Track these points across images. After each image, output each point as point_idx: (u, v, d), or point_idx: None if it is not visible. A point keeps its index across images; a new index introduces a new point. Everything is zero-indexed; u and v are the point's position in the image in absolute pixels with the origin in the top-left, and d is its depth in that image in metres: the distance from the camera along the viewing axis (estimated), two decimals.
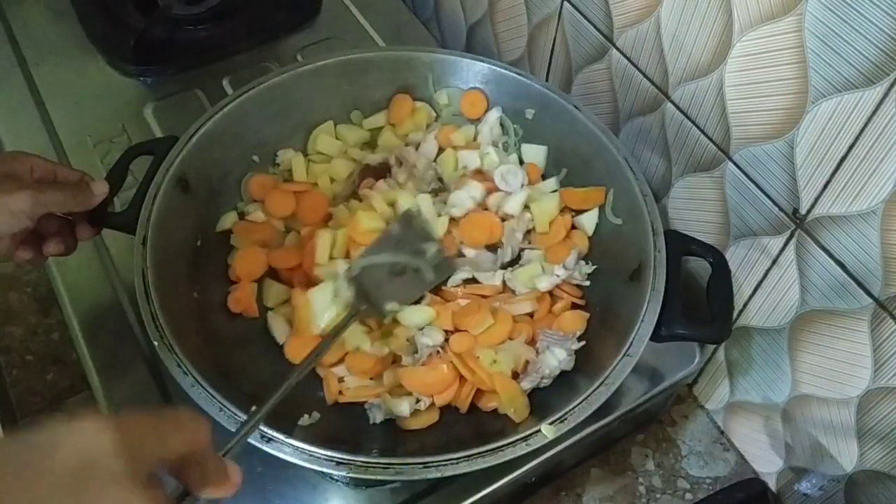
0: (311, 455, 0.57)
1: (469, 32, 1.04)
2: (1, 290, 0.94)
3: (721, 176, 0.70)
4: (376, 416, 0.67)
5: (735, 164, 0.68)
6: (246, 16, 1.04)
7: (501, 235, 0.77)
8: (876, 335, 0.60)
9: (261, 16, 1.05)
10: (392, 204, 0.76)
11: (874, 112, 0.53)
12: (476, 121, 0.84)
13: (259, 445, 0.57)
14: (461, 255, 0.76)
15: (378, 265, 0.66)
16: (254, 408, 0.59)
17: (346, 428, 0.66)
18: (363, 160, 0.81)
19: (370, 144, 0.85)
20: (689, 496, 0.79)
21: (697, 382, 0.84)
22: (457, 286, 0.74)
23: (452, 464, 0.57)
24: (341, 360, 0.69)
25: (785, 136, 0.61)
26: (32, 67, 0.99)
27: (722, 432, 0.83)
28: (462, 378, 0.67)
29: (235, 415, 0.58)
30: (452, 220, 0.77)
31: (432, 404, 0.67)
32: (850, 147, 0.56)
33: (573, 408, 0.60)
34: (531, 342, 0.70)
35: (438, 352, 0.68)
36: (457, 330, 0.70)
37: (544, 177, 0.82)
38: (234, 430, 0.57)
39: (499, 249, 0.77)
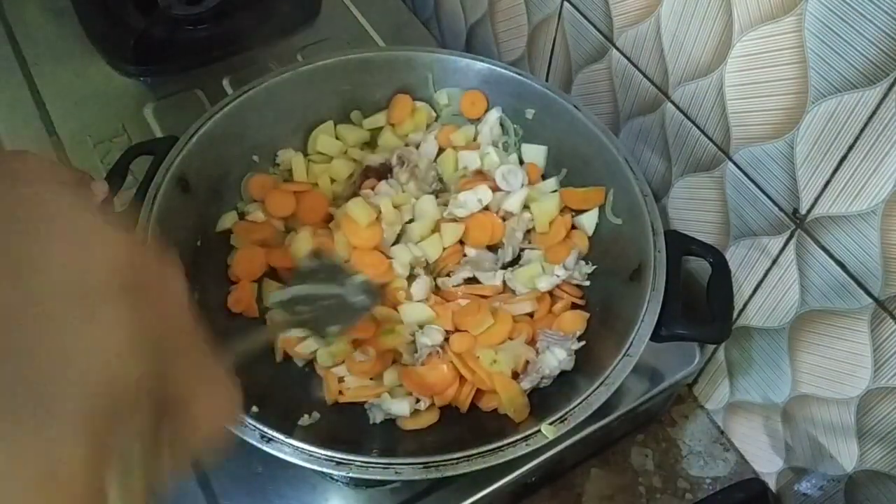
0: (311, 455, 0.57)
1: (469, 32, 1.04)
2: None
3: (721, 176, 0.70)
4: (376, 416, 0.67)
5: (735, 164, 0.68)
6: (245, 16, 1.04)
7: (503, 236, 0.77)
8: (876, 335, 0.60)
9: (260, 16, 1.05)
10: (398, 206, 0.76)
11: (874, 112, 0.53)
12: (476, 121, 0.84)
13: (259, 445, 0.57)
14: (463, 255, 0.76)
15: (303, 297, 0.64)
16: (255, 408, 0.60)
17: (346, 428, 0.66)
18: (364, 161, 0.81)
19: (370, 144, 0.85)
20: (689, 496, 0.79)
21: (697, 382, 0.84)
22: (457, 286, 0.74)
23: (452, 464, 0.57)
24: (341, 361, 0.69)
25: (785, 136, 0.61)
26: (32, 67, 0.99)
27: (722, 432, 0.83)
28: (462, 378, 0.67)
29: None
30: (454, 220, 0.77)
31: (432, 404, 0.67)
32: (850, 147, 0.56)
33: (573, 408, 0.60)
34: (531, 342, 0.70)
35: (438, 352, 0.68)
36: (457, 330, 0.70)
37: (544, 177, 0.82)
38: (234, 429, 0.57)
39: (499, 249, 0.77)
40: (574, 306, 0.73)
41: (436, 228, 0.76)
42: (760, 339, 0.73)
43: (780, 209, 0.65)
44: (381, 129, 0.85)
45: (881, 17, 0.50)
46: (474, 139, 0.83)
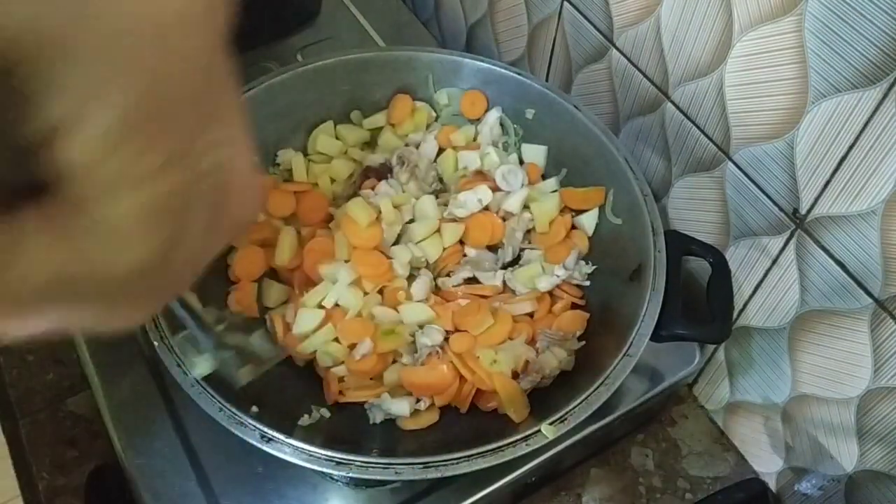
0: (311, 455, 0.57)
1: (469, 32, 1.04)
2: None
3: (721, 176, 0.70)
4: (376, 416, 0.67)
5: (735, 164, 0.68)
6: (245, 16, 1.04)
7: (503, 236, 0.77)
8: (876, 335, 0.60)
9: (260, 16, 1.05)
10: (398, 206, 0.76)
11: (874, 112, 0.53)
12: (476, 121, 0.84)
13: (259, 445, 0.57)
14: (463, 255, 0.76)
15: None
16: (255, 408, 0.60)
17: (346, 428, 0.66)
18: (364, 161, 0.81)
19: (370, 145, 0.85)
20: (689, 496, 0.79)
21: (697, 382, 0.84)
22: (457, 286, 0.74)
23: (452, 464, 0.57)
24: (341, 361, 0.69)
25: (785, 136, 0.61)
26: None
27: (722, 432, 0.83)
28: (462, 378, 0.67)
29: (235, 415, 0.58)
30: (454, 220, 0.77)
31: (432, 404, 0.67)
32: (850, 147, 0.56)
33: (573, 408, 0.60)
34: (531, 342, 0.70)
35: (438, 352, 0.68)
36: (457, 330, 0.70)
37: (544, 177, 0.82)
38: (234, 429, 0.57)
39: (499, 249, 0.77)
40: (574, 306, 0.73)
41: (436, 228, 0.76)
42: (760, 339, 0.73)
43: (780, 209, 0.65)
44: (381, 129, 0.85)
45: (881, 17, 0.50)
46: (474, 139, 0.83)
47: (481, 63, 0.82)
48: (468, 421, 0.67)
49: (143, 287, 0.23)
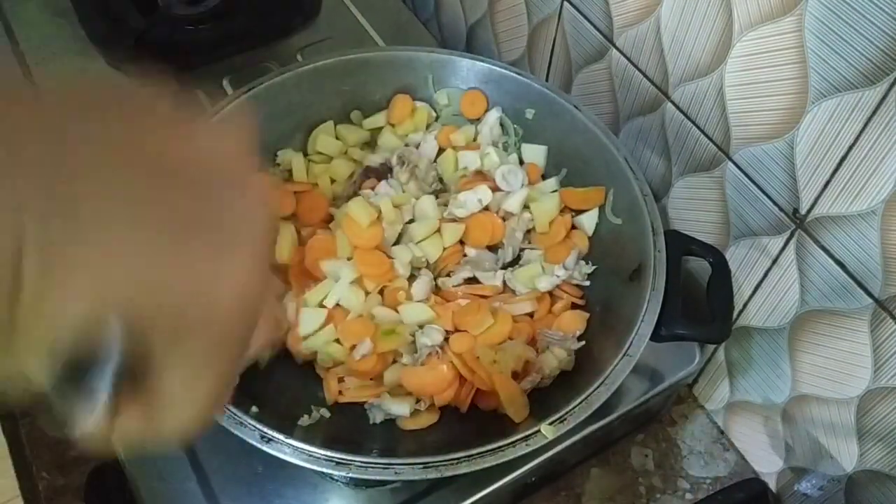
0: (311, 455, 0.57)
1: (469, 32, 1.04)
2: None
3: (721, 176, 0.70)
4: (376, 416, 0.67)
5: (735, 164, 0.68)
6: (246, 16, 1.04)
7: (503, 236, 0.77)
8: (876, 335, 0.60)
9: (261, 16, 1.05)
10: (398, 206, 0.76)
11: (874, 112, 0.53)
12: (476, 121, 0.84)
13: (259, 445, 0.57)
14: (463, 255, 0.76)
15: None
16: (255, 408, 0.60)
17: (346, 428, 0.66)
18: (364, 161, 0.81)
19: (370, 145, 0.85)
20: (689, 496, 0.79)
21: (697, 382, 0.84)
22: (457, 286, 0.74)
23: (452, 464, 0.57)
24: (341, 361, 0.69)
25: (785, 136, 0.61)
26: (32, 67, 0.99)
27: (722, 432, 0.83)
28: (462, 378, 0.67)
29: (235, 415, 0.58)
30: (454, 220, 0.77)
31: (432, 404, 0.67)
32: (850, 147, 0.56)
33: (573, 408, 0.60)
34: (531, 342, 0.70)
35: (438, 352, 0.68)
36: (457, 330, 0.70)
37: (544, 177, 0.82)
38: (234, 430, 0.57)
39: (499, 250, 0.77)
40: (574, 306, 0.73)
41: (436, 228, 0.76)
42: (760, 339, 0.73)
43: (780, 209, 0.65)
44: (381, 129, 0.85)
45: (881, 17, 0.50)
46: (474, 139, 0.83)
47: (481, 63, 0.82)
48: (468, 421, 0.67)
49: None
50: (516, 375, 0.68)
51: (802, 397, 0.70)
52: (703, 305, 0.66)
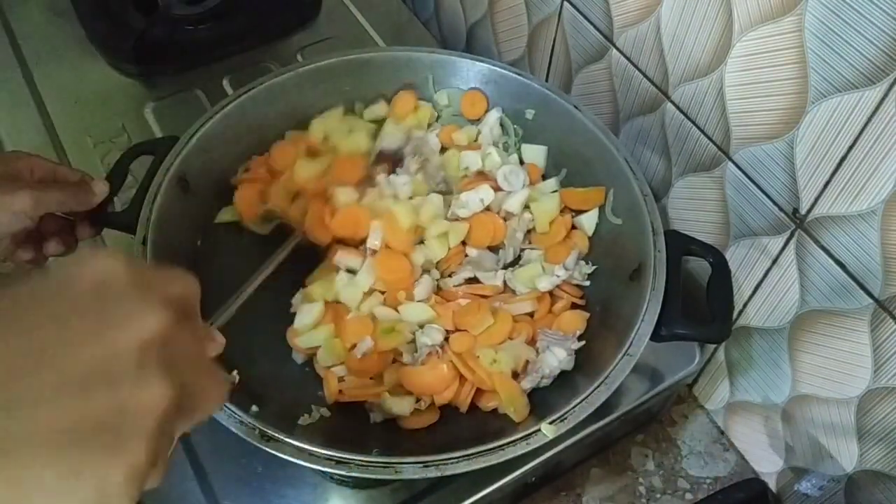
0: (311, 455, 0.57)
1: (469, 32, 1.04)
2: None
3: (721, 176, 0.70)
4: (376, 416, 0.67)
5: (735, 164, 0.68)
6: (246, 16, 1.04)
7: (504, 237, 0.76)
8: (876, 335, 0.60)
9: (261, 16, 1.05)
10: (411, 198, 0.76)
11: (874, 112, 0.53)
12: (476, 121, 0.84)
13: (259, 445, 0.57)
14: (465, 255, 0.76)
15: None
16: (255, 408, 0.60)
17: (346, 428, 0.66)
18: (379, 143, 0.80)
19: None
20: (689, 496, 0.79)
21: (697, 382, 0.84)
22: (458, 286, 0.74)
23: (452, 463, 0.57)
24: (341, 361, 0.69)
25: (785, 136, 0.61)
26: (32, 67, 0.99)
27: (722, 432, 0.83)
28: (462, 378, 0.67)
29: (235, 413, 0.58)
30: (457, 220, 0.77)
31: (432, 404, 0.67)
32: (850, 147, 0.56)
33: (573, 407, 0.60)
34: (531, 342, 0.70)
35: (438, 352, 0.68)
36: (457, 330, 0.70)
37: (544, 177, 0.82)
38: (234, 429, 0.57)
39: (500, 250, 0.77)
40: (574, 306, 0.73)
41: (446, 228, 0.76)
42: (760, 339, 0.73)
43: (780, 209, 0.65)
44: (383, 120, 0.84)
45: (881, 17, 0.50)
46: (475, 139, 0.83)
47: (481, 63, 0.82)
48: (468, 421, 0.67)
49: None
50: (516, 375, 0.68)
51: (802, 397, 0.70)
52: (703, 305, 0.66)
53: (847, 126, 0.55)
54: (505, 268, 0.76)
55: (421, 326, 0.71)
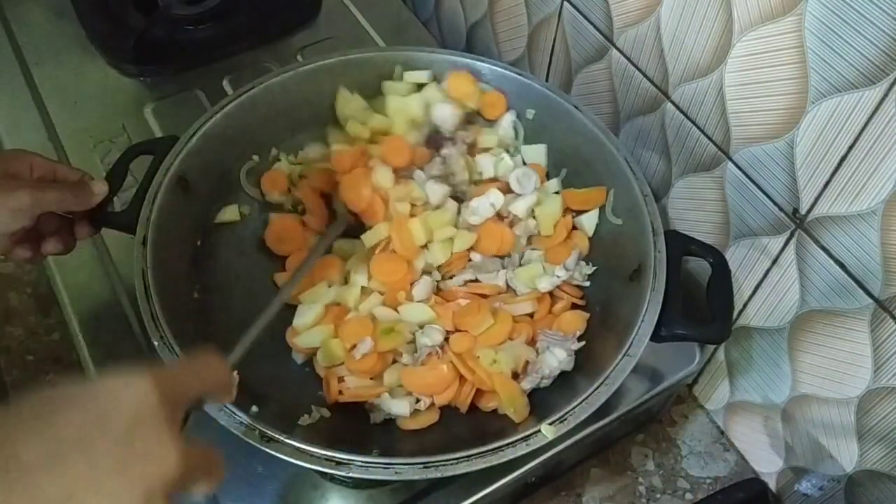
0: (311, 455, 0.57)
1: (469, 32, 1.04)
2: (1, 290, 0.94)
3: (721, 176, 0.70)
4: (376, 416, 0.67)
5: (735, 164, 0.68)
6: (246, 16, 1.04)
7: (512, 248, 0.76)
8: (876, 335, 0.60)
9: (261, 16, 1.05)
10: (423, 203, 0.76)
11: (874, 112, 0.53)
12: (493, 122, 0.83)
13: (259, 445, 0.57)
14: (468, 259, 0.76)
15: None
16: (255, 408, 0.60)
17: (346, 428, 0.66)
18: (434, 119, 0.79)
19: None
20: (689, 496, 0.79)
21: (697, 382, 0.84)
22: (461, 286, 0.74)
23: (452, 464, 0.57)
24: (341, 361, 0.69)
25: (785, 136, 0.61)
26: (32, 67, 0.99)
27: (722, 432, 0.83)
28: (462, 378, 0.67)
29: (235, 414, 0.58)
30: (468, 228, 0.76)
31: (432, 404, 0.67)
32: (850, 147, 0.56)
33: (573, 408, 0.60)
34: (531, 342, 0.70)
35: (438, 352, 0.68)
36: (457, 330, 0.70)
37: (548, 176, 0.81)
38: (234, 429, 0.57)
39: (506, 258, 0.76)
40: (574, 306, 0.73)
41: (452, 235, 0.76)
42: (760, 339, 0.73)
43: (780, 209, 0.65)
44: (422, 86, 0.82)
45: (881, 17, 0.50)
46: (498, 143, 0.82)
47: (481, 63, 0.82)
48: (468, 421, 0.67)
49: None
50: (516, 375, 0.68)
51: (802, 397, 0.70)
52: (703, 305, 0.66)
53: (847, 126, 0.55)
54: (504, 267, 0.76)
55: (421, 327, 0.71)
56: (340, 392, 0.68)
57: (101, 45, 1.01)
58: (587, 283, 0.74)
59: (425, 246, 0.75)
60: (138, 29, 0.99)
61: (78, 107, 0.95)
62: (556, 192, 0.79)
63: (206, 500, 0.65)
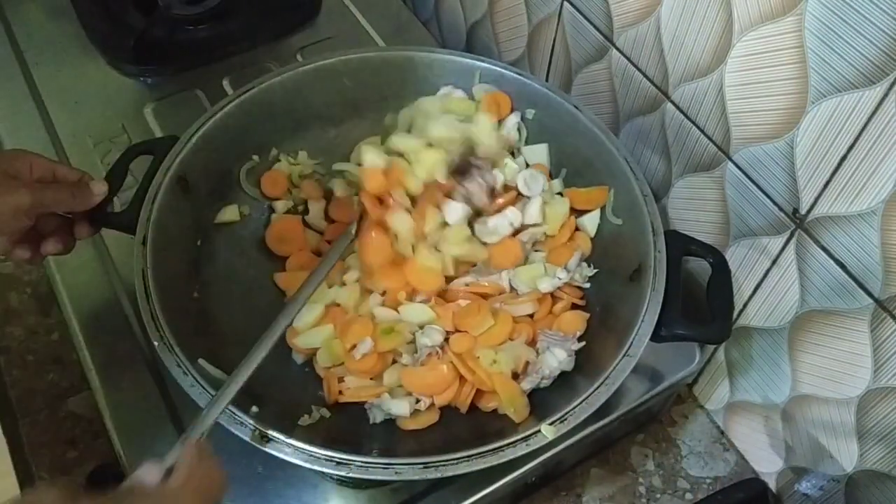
0: (311, 455, 0.57)
1: (469, 32, 1.04)
2: (1, 290, 0.94)
3: (721, 176, 0.70)
4: (376, 416, 0.67)
5: (735, 164, 0.68)
6: (246, 16, 1.04)
7: (522, 262, 0.76)
8: (876, 335, 0.60)
9: (261, 16, 1.05)
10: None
11: (874, 112, 0.53)
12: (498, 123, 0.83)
13: (259, 446, 0.57)
14: (472, 265, 0.76)
15: None
16: (255, 408, 0.60)
17: (346, 428, 0.66)
18: (471, 143, 0.75)
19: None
20: (689, 496, 0.79)
21: (697, 382, 0.84)
22: (462, 287, 0.74)
23: (452, 464, 0.57)
24: (341, 361, 0.69)
25: (785, 136, 0.61)
26: (32, 67, 0.99)
27: (722, 432, 0.83)
28: (462, 378, 0.67)
29: (235, 414, 0.58)
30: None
31: (432, 404, 0.67)
32: (850, 147, 0.56)
33: (573, 408, 0.60)
34: (531, 343, 0.70)
35: (438, 352, 0.68)
36: (457, 330, 0.70)
37: (551, 175, 0.81)
38: (234, 429, 0.57)
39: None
40: (574, 307, 0.73)
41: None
42: (760, 339, 0.73)
43: (780, 209, 0.65)
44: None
45: (881, 17, 0.50)
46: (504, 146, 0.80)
47: (481, 63, 0.82)
48: (468, 421, 0.67)
49: None
50: (516, 376, 0.68)
51: (802, 397, 0.70)
52: (703, 305, 0.66)
53: (847, 126, 0.55)
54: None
55: (421, 327, 0.70)
56: (340, 392, 0.68)
57: (101, 45, 1.01)
58: (587, 285, 0.74)
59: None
60: (138, 29, 0.99)
61: (78, 107, 0.95)
62: (559, 193, 0.79)
63: None
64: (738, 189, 0.68)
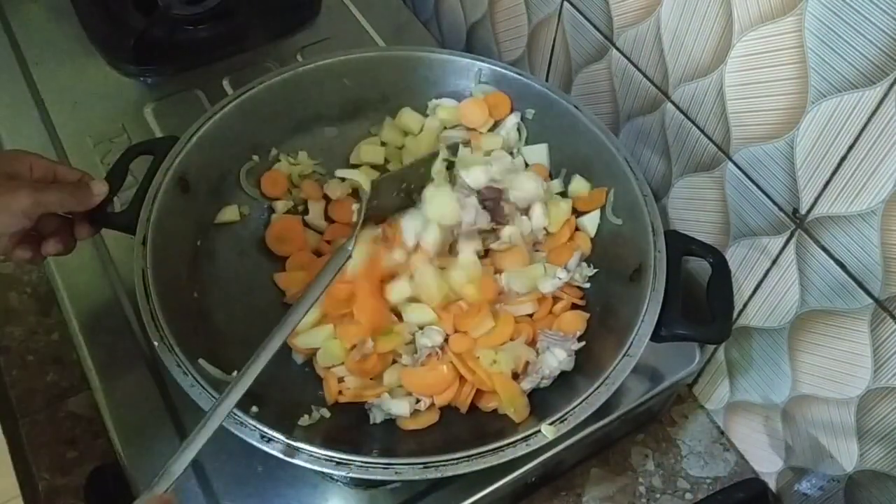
0: (311, 455, 0.57)
1: (469, 32, 1.04)
2: (1, 290, 0.94)
3: (721, 176, 0.70)
4: (376, 416, 0.67)
5: (735, 164, 0.68)
6: (246, 16, 1.04)
7: (527, 263, 0.75)
8: (876, 335, 0.60)
9: (261, 16, 1.05)
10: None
11: (874, 112, 0.53)
12: (496, 124, 0.83)
13: (259, 445, 0.57)
14: None
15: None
16: (255, 408, 0.60)
17: (346, 428, 0.66)
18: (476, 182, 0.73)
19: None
20: (689, 496, 0.79)
21: (697, 382, 0.84)
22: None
23: (452, 464, 0.57)
24: (341, 361, 0.69)
25: (785, 136, 0.61)
26: (32, 67, 0.99)
27: (722, 432, 0.83)
28: (462, 378, 0.67)
29: (235, 415, 0.58)
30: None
31: (432, 404, 0.67)
32: (850, 147, 0.56)
33: (573, 408, 0.60)
34: (531, 343, 0.70)
35: (438, 352, 0.68)
36: (457, 331, 0.70)
37: (551, 175, 0.81)
38: (234, 429, 0.57)
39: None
40: (574, 307, 0.73)
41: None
42: (760, 339, 0.73)
43: (780, 209, 0.65)
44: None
45: (881, 17, 0.50)
46: (500, 146, 0.81)
47: (481, 63, 0.82)
48: (468, 421, 0.67)
49: None
50: (516, 376, 0.68)
51: (802, 397, 0.70)
52: (703, 305, 0.66)
53: (847, 126, 0.55)
54: None
55: (421, 328, 0.70)
56: (340, 392, 0.68)
57: (101, 45, 1.01)
58: (587, 285, 0.74)
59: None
60: (138, 29, 0.99)
61: (78, 107, 0.95)
62: (559, 192, 0.79)
63: (206, 500, 0.65)
64: (738, 189, 0.68)
